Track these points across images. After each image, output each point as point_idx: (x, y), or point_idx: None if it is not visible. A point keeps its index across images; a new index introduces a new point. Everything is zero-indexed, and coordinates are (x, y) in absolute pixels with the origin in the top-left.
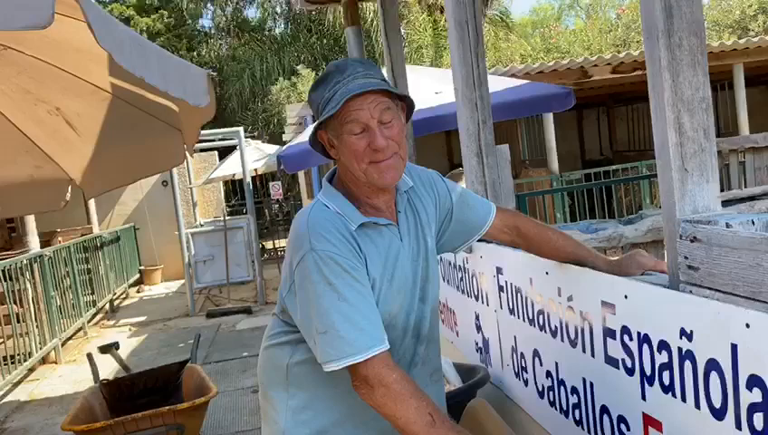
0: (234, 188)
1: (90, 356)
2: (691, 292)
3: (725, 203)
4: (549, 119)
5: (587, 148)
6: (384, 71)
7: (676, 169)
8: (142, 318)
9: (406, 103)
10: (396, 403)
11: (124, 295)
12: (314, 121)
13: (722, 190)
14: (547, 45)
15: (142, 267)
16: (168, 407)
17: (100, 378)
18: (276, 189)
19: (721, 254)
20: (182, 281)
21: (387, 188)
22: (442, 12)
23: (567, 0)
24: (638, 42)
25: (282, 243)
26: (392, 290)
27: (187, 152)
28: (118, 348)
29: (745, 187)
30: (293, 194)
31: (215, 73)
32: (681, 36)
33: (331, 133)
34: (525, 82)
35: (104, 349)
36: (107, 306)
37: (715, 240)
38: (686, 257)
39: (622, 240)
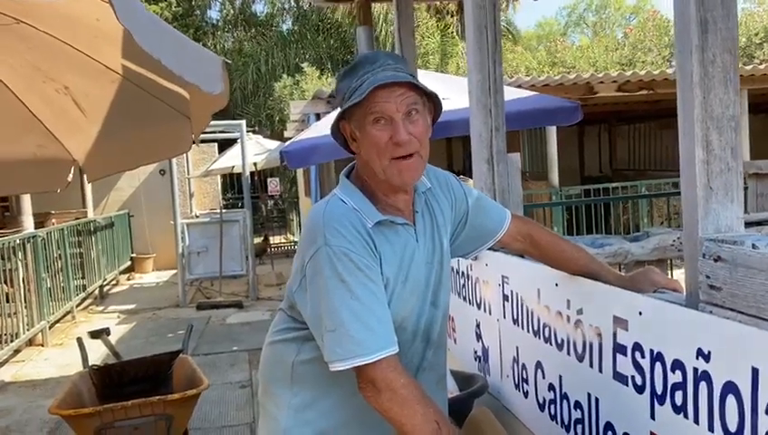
0: (231, 181)
1: (80, 341)
2: (711, 312)
3: None
4: (552, 132)
5: (587, 164)
6: None
7: (701, 187)
8: (131, 306)
9: (434, 104)
10: (402, 408)
11: (114, 282)
12: (338, 112)
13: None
14: (553, 59)
15: (134, 255)
16: (158, 397)
17: (90, 363)
18: (274, 185)
19: (747, 275)
20: (174, 271)
21: (405, 188)
22: (452, 15)
23: (573, 16)
24: (643, 62)
25: (277, 239)
26: (405, 292)
27: (193, 141)
28: (109, 334)
29: (746, 212)
30: (290, 192)
31: (230, 62)
32: (715, 53)
33: (354, 124)
34: (532, 93)
35: (95, 334)
36: (96, 292)
37: (741, 261)
38: (707, 277)
39: (628, 257)
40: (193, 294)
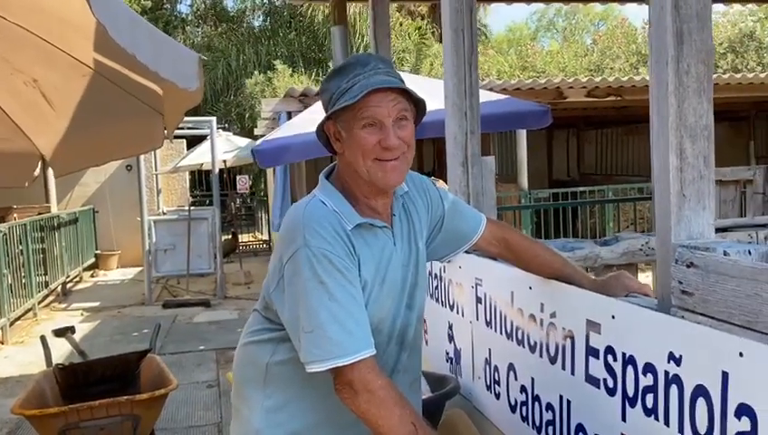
0: (199, 178)
1: (43, 339)
2: (683, 317)
3: None
4: (522, 135)
5: (555, 168)
6: None
7: (674, 194)
8: (96, 304)
9: (417, 110)
10: (380, 410)
11: (78, 279)
12: (328, 112)
13: None
14: (523, 63)
15: (99, 252)
16: (126, 397)
17: (54, 362)
18: (243, 183)
19: (718, 281)
20: (139, 268)
21: (387, 190)
22: (423, 18)
23: (543, 21)
24: (611, 68)
25: (245, 237)
26: (382, 294)
27: (166, 137)
28: (74, 332)
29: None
30: (259, 190)
31: (205, 58)
32: (690, 63)
33: (340, 125)
34: (504, 96)
35: (59, 332)
36: (59, 289)
37: (713, 267)
38: (680, 282)
39: (598, 261)
40: (159, 292)
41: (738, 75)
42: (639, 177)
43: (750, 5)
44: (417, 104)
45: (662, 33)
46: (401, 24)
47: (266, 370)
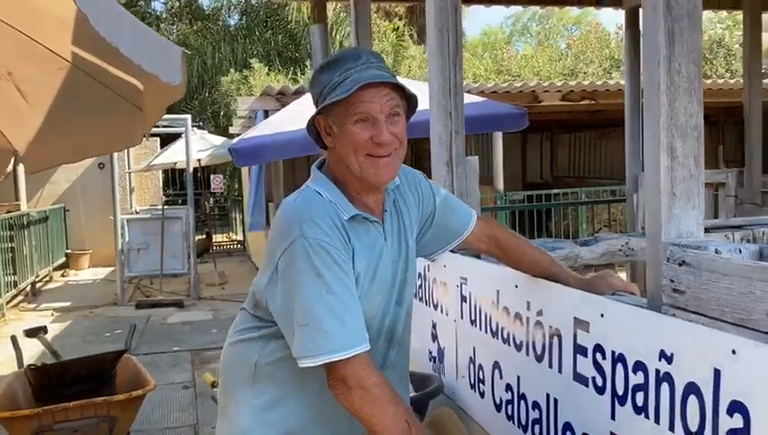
0: (172, 177)
1: (14, 339)
2: (674, 315)
3: None
4: (498, 138)
5: (529, 170)
6: None
7: (665, 193)
8: (66, 304)
9: (408, 106)
10: (373, 407)
11: (48, 278)
12: (319, 106)
13: None
14: (498, 67)
15: (69, 251)
16: (102, 398)
17: (27, 363)
18: (218, 182)
19: (711, 279)
20: (111, 268)
21: (379, 187)
22: (400, 19)
23: (518, 25)
24: (585, 72)
25: (219, 237)
26: (372, 290)
27: (145, 132)
28: (46, 332)
29: None
30: (233, 189)
31: (189, 52)
32: (681, 63)
33: (332, 120)
34: (482, 99)
35: (31, 333)
36: (28, 289)
37: (705, 265)
38: (671, 280)
39: (578, 261)
40: (132, 292)
41: (709, 81)
42: (612, 180)
43: (721, 13)
44: (409, 100)
45: (654, 33)
46: (378, 26)
47: (255, 368)
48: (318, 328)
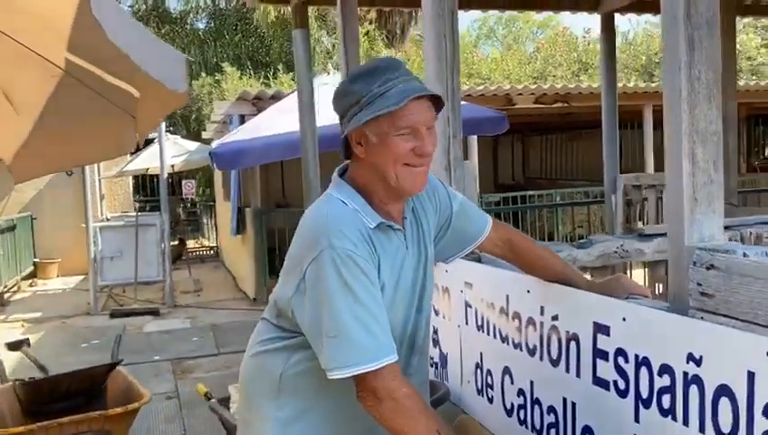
0: (142, 183)
1: None
2: (702, 318)
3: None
4: (473, 141)
5: (500, 172)
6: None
7: (687, 198)
8: (37, 314)
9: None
10: (405, 419)
11: (15, 288)
12: (357, 115)
13: (645, 223)
14: (469, 70)
15: (37, 260)
16: (98, 412)
17: (14, 378)
18: (189, 188)
19: (742, 283)
20: (81, 277)
21: (410, 195)
22: (371, 23)
23: (484, 29)
24: (553, 76)
25: (191, 243)
26: (396, 298)
27: (138, 141)
28: (29, 345)
29: (662, 222)
30: (204, 195)
31: (192, 59)
32: (700, 70)
33: (370, 130)
34: (462, 103)
35: (13, 346)
36: None
37: (736, 269)
38: (699, 284)
39: (576, 263)
40: (104, 301)
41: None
42: (582, 180)
43: None
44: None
45: (675, 40)
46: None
47: (280, 380)
48: (347, 340)
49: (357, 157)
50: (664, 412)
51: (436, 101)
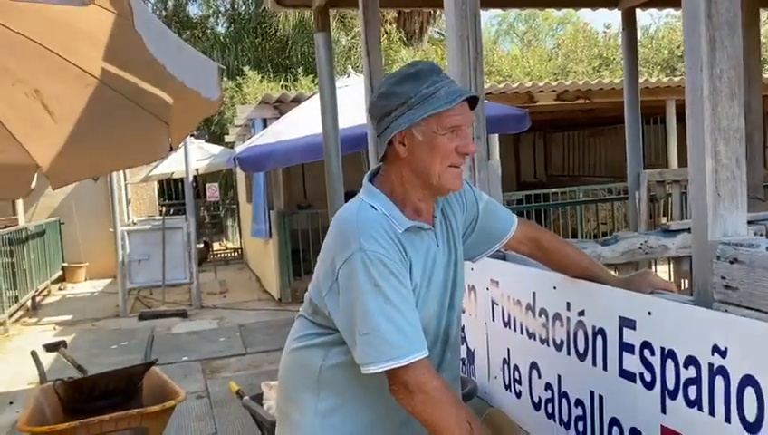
0: (167, 187)
1: (34, 354)
2: (726, 310)
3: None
4: (494, 139)
5: (522, 170)
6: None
7: (710, 194)
8: (68, 317)
9: None
10: (436, 410)
11: (46, 292)
12: (404, 115)
13: (669, 219)
14: (489, 68)
15: (65, 264)
16: (137, 410)
17: (54, 378)
18: (213, 191)
19: (765, 275)
20: (108, 280)
21: (453, 192)
22: (390, 24)
23: (504, 25)
24: (575, 72)
25: (214, 246)
26: (429, 296)
27: (172, 146)
28: (66, 347)
29: (686, 217)
30: (227, 197)
31: (224, 67)
32: (722, 69)
33: (417, 129)
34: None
35: (51, 347)
36: (28, 303)
37: (759, 262)
38: (722, 278)
39: (600, 260)
40: (132, 303)
41: None
42: (605, 177)
43: None
44: None
45: (696, 40)
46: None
47: (319, 373)
48: (379, 337)
49: (396, 156)
50: (690, 403)
51: (472, 103)
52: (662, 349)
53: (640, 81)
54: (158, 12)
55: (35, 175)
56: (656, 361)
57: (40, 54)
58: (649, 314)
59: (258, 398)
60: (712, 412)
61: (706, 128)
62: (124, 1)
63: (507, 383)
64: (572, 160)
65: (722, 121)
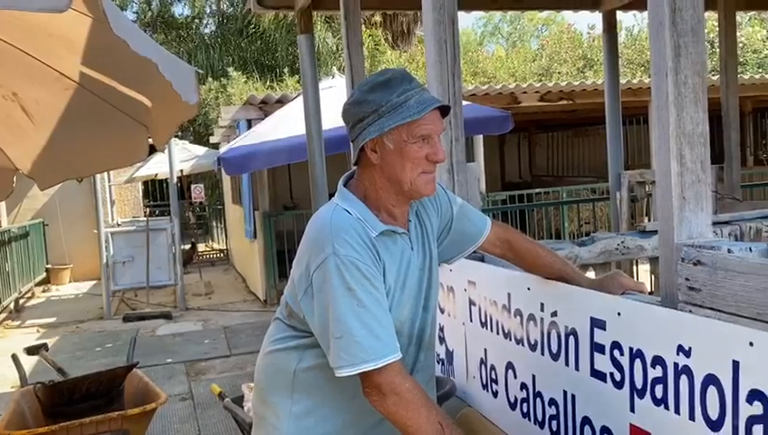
0: (152, 188)
1: (15, 357)
2: (691, 311)
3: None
4: (479, 140)
5: (507, 170)
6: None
7: (675, 197)
8: (51, 319)
9: None
10: (407, 411)
11: (30, 295)
12: (353, 122)
13: (651, 220)
14: (474, 69)
15: (49, 266)
16: (117, 412)
17: (35, 381)
18: (198, 192)
19: (726, 277)
20: (93, 282)
21: (419, 199)
22: (377, 27)
23: (489, 27)
24: (558, 72)
25: (200, 247)
26: (403, 298)
27: (157, 147)
28: (47, 350)
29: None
30: (213, 199)
31: (201, 71)
32: (687, 75)
33: (388, 137)
34: (466, 103)
35: (32, 350)
36: (12, 305)
37: (721, 264)
38: (687, 279)
39: (577, 260)
40: (117, 305)
41: None
42: (589, 177)
43: None
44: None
45: (661, 47)
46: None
47: (294, 376)
48: (352, 340)
49: (369, 162)
50: (657, 402)
51: (444, 111)
52: (630, 349)
53: (623, 82)
54: (142, 13)
55: (14, 177)
56: (625, 361)
57: (17, 58)
58: (619, 314)
59: (239, 400)
60: (677, 411)
61: (672, 132)
62: (99, 6)
63: (485, 383)
64: (556, 161)
65: (687, 126)
